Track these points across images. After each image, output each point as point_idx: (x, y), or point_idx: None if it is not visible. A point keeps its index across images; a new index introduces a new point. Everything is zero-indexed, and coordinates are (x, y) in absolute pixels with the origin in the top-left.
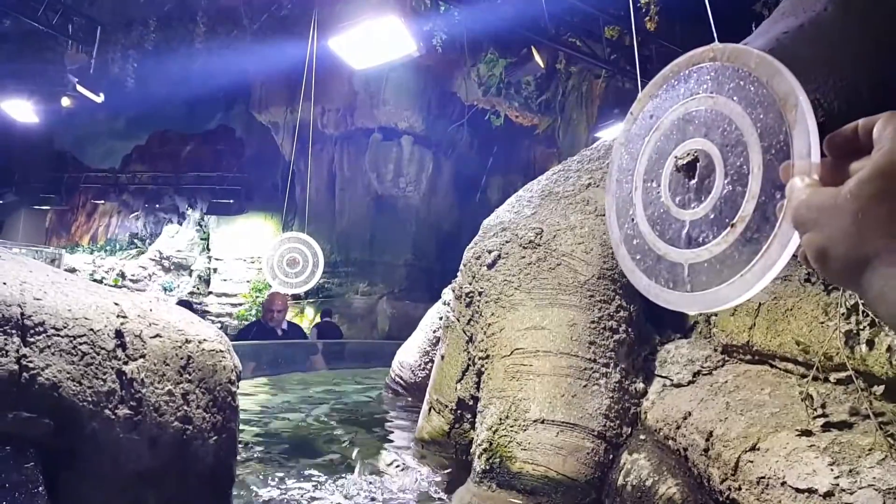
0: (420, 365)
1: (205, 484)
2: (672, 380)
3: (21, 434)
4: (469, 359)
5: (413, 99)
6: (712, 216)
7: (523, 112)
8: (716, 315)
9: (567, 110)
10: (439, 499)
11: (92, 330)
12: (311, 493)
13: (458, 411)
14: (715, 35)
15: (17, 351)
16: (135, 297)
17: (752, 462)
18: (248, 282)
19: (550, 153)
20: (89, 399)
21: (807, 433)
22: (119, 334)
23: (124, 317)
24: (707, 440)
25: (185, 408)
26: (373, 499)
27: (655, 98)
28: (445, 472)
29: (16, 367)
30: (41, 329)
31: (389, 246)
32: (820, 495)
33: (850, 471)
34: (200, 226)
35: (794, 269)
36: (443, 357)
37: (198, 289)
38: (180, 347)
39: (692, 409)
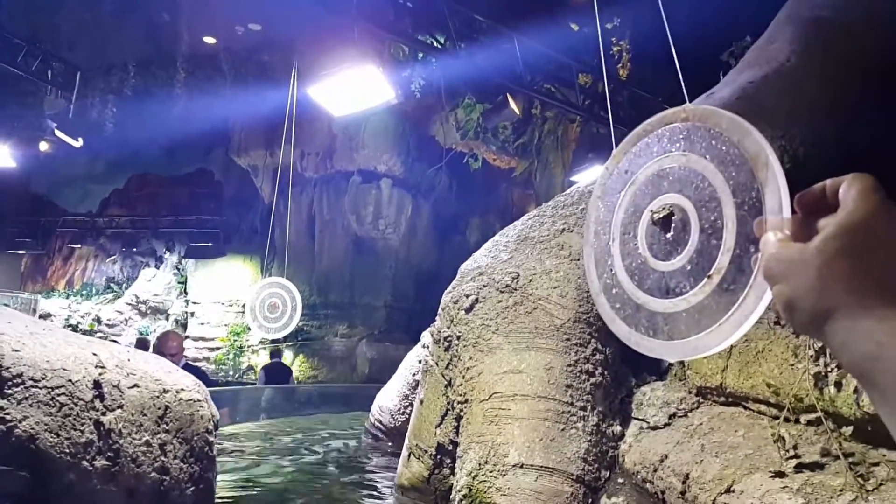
0: (399, 409)
1: None
2: (648, 422)
3: None
4: (448, 403)
5: (392, 142)
6: (689, 268)
7: (500, 155)
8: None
9: (543, 153)
10: None
11: (70, 381)
12: None
13: (438, 456)
14: (683, 83)
15: None
16: (113, 348)
17: None
18: (225, 325)
19: (527, 195)
20: (67, 450)
21: (780, 474)
22: (97, 385)
23: (102, 367)
24: (684, 483)
25: (163, 458)
26: None
27: (629, 154)
28: None
29: None
30: (19, 381)
31: (369, 288)
32: None
33: None
34: (178, 269)
35: (765, 313)
36: (422, 402)
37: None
38: (158, 397)
39: (668, 452)
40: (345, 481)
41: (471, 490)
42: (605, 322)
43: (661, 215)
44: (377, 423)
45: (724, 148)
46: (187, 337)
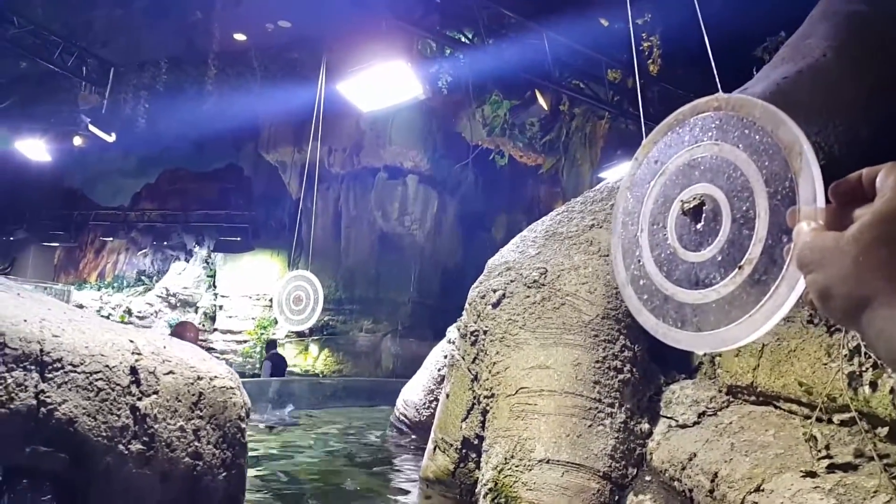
0: (425, 404)
1: None
2: (677, 420)
3: (37, 467)
4: (474, 397)
5: (419, 139)
6: (719, 258)
7: (527, 152)
8: (720, 356)
9: (571, 150)
10: None
11: (108, 366)
12: None
13: (463, 450)
14: (717, 78)
15: (36, 386)
16: (149, 335)
17: (756, 503)
18: (252, 318)
19: (554, 192)
20: (104, 434)
21: (811, 474)
22: (134, 371)
23: (139, 353)
24: (712, 481)
25: (196, 443)
26: None
27: (660, 144)
28: None
29: (34, 402)
30: (59, 365)
31: (394, 284)
32: None
33: None
34: (207, 263)
35: (797, 311)
36: (448, 396)
37: (203, 325)
38: (192, 384)
39: (697, 451)
40: (370, 472)
41: (496, 484)
42: (632, 317)
43: (691, 205)
44: (402, 417)
45: (757, 137)
46: (216, 330)
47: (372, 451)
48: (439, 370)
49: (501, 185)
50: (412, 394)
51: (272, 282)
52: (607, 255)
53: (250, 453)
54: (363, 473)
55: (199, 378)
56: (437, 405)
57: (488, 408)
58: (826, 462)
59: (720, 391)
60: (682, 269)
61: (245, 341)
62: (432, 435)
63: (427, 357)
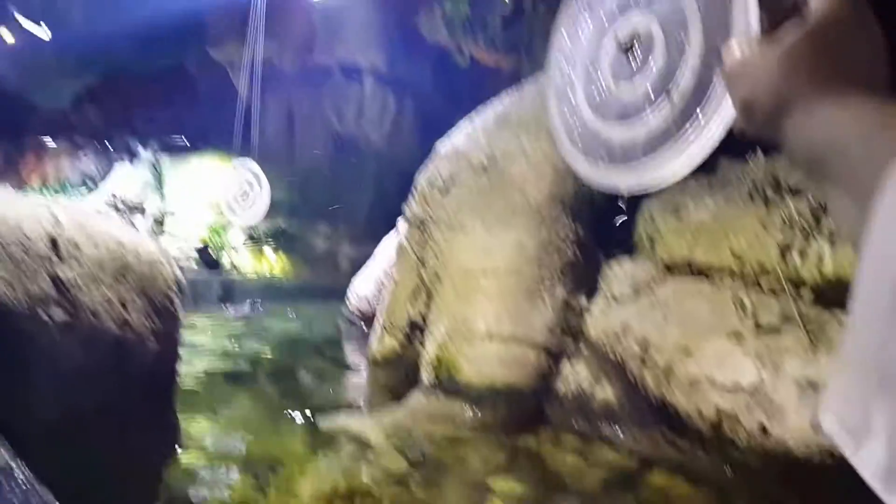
0: (376, 296)
1: (145, 386)
2: (615, 296)
3: None
4: (420, 281)
5: (375, 36)
6: (651, 92)
7: (489, 51)
8: (659, 233)
9: (534, 51)
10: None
11: (26, 236)
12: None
13: (409, 332)
14: None
15: None
16: (73, 208)
17: (684, 365)
18: (204, 223)
19: None
20: (23, 301)
21: (737, 337)
22: (54, 241)
23: (59, 223)
24: (644, 350)
25: (123, 313)
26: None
27: None
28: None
29: None
30: None
31: (351, 187)
32: (745, 391)
33: (775, 368)
34: (154, 167)
35: (737, 189)
36: (395, 281)
37: (153, 231)
38: (117, 256)
39: (632, 322)
40: (323, 356)
41: (439, 358)
42: (577, 200)
43: (625, 40)
44: (354, 310)
45: None
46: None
47: (326, 339)
48: (391, 265)
49: (461, 87)
50: (363, 286)
51: (221, 186)
52: None
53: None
54: (317, 356)
55: (125, 249)
56: None
57: (434, 290)
58: (752, 325)
59: (657, 268)
60: (613, 106)
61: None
62: (380, 319)
63: (376, 249)
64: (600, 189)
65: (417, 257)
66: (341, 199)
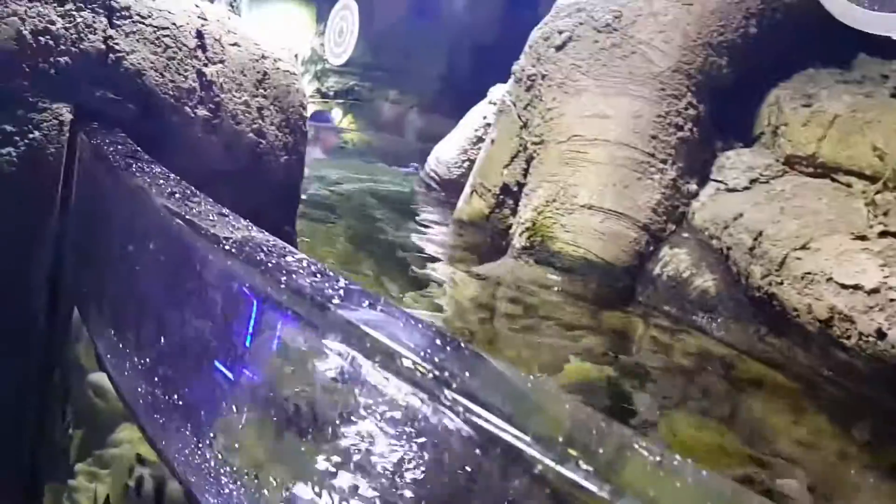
0: (457, 163)
1: (275, 198)
2: (727, 184)
3: (108, 113)
4: (520, 145)
5: None
6: None
7: None
8: (785, 125)
9: None
10: (475, 272)
11: (175, 24)
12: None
13: (501, 196)
14: None
15: (105, 31)
16: (213, 7)
17: (799, 259)
18: None
19: None
20: (171, 93)
21: (862, 238)
22: (200, 35)
23: (205, 19)
24: (755, 239)
25: (260, 121)
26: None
27: None
28: (480, 247)
29: (103, 46)
30: (127, 14)
31: (425, 55)
32: (865, 291)
33: None
34: (232, 6)
35: (879, 85)
36: (493, 142)
37: None
38: (258, 61)
39: (744, 211)
40: (401, 211)
41: (535, 224)
42: (703, 74)
43: None
44: (433, 174)
45: None
46: None
47: (401, 198)
48: (475, 130)
49: None
50: (445, 152)
51: (296, 36)
52: (692, 4)
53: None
54: (394, 211)
55: (264, 57)
56: (469, 165)
57: (535, 154)
58: (879, 228)
59: (777, 160)
60: None
61: None
62: (470, 180)
63: (465, 115)
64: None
65: (521, 118)
66: (414, 66)
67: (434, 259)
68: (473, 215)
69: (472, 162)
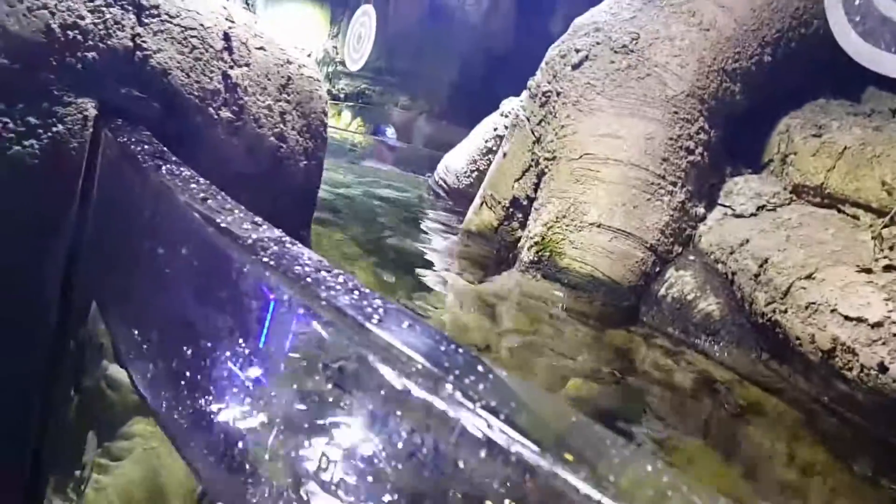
0: (466, 172)
1: (293, 203)
2: (734, 210)
3: (133, 111)
4: (532, 160)
5: None
6: None
7: None
8: (794, 154)
9: None
10: (481, 284)
11: (202, 25)
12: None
13: (511, 209)
14: None
15: (133, 28)
16: (240, 10)
17: (804, 289)
18: None
19: None
20: (196, 93)
21: (867, 271)
22: (227, 37)
23: (232, 21)
24: (760, 266)
25: (282, 126)
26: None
27: None
28: (487, 259)
29: (130, 43)
30: (156, 12)
31: (437, 61)
32: (868, 324)
33: None
34: (248, 4)
35: (888, 119)
36: (505, 154)
37: None
38: (282, 66)
39: (751, 237)
40: (410, 220)
41: (543, 238)
42: (717, 99)
43: None
44: (441, 182)
45: None
46: None
47: (411, 203)
48: (486, 142)
49: None
50: (455, 161)
51: (311, 36)
52: (708, 30)
53: None
54: (402, 220)
55: (289, 62)
56: (478, 175)
57: (547, 170)
58: (884, 262)
59: (785, 189)
60: None
61: None
62: (481, 191)
63: (476, 127)
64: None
65: (534, 133)
66: (426, 73)
67: (439, 268)
68: (482, 226)
69: (481, 172)
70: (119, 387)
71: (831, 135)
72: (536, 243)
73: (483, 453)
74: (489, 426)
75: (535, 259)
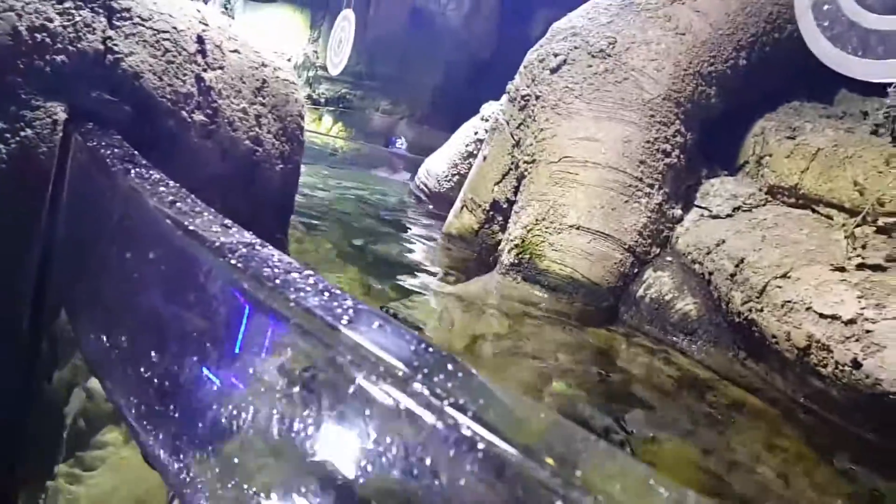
0: (447, 176)
1: (270, 206)
2: (711, 211)
3: (103, 115)
4: (512, 163)
5: None
6: None
7: None
8: (769, 156)
9: None
10: (461, 286)
11: (175, 28)
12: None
13: (491, 212)
14: None
15: (104, 31)
16: (214, 14)
17: (780, 288)
18: None
19: None
20: (168, 97)
21: (840, 269)
22: (201, 40)
23: (206, 24)
24: (736, 266)
25: (258, 129)
26: (397, 264)
27: None
28: (468, 262)
29: (101, 46)
30: (127, 15)
31: (419, 66)
32: (843, 322)
33: (877, 304)
34: (226, 8)
35: (860, 121)
36: (485, 158)
37: None
38: (257, 69)
39: (727, 238)
40: (391, 223)
41: (523, 241)
42: (693, 103)
43: None
44: (422, 186)
45: None
46: None
47: (392, 206)
48: (467, 146)
49: None
50: (436, 165)
51: (290, 40)
52: (684, 34)
53: None
54: (383, 224)
55: (264, 65)
56: (458, 179)
57: (526, 173)
58: (857, 261)
59: (760, 190)
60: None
61: None
62: (461, 195)
63: (456, 132)
64: (860, 77)
65: (513, 137)
66: (408, 77)
67: (421, 271)
68: (462, 230)
69: (462, 176)
70: (92, 395)
71: (805, 137)
72: (516, 246)
73: (452, 452)
74: (458, 423)
75: (516, 261)
